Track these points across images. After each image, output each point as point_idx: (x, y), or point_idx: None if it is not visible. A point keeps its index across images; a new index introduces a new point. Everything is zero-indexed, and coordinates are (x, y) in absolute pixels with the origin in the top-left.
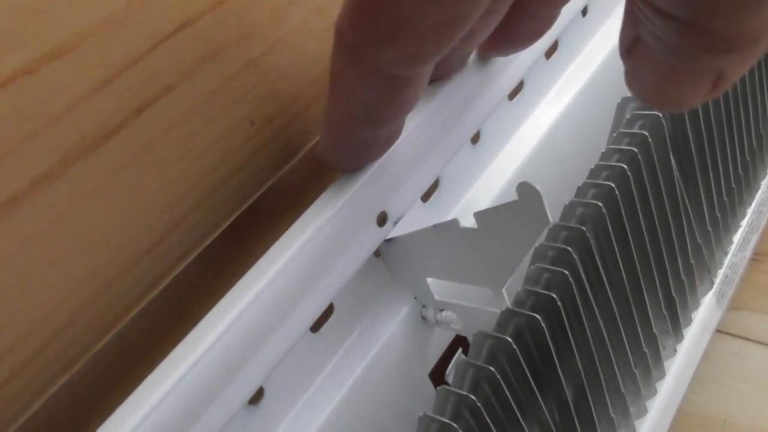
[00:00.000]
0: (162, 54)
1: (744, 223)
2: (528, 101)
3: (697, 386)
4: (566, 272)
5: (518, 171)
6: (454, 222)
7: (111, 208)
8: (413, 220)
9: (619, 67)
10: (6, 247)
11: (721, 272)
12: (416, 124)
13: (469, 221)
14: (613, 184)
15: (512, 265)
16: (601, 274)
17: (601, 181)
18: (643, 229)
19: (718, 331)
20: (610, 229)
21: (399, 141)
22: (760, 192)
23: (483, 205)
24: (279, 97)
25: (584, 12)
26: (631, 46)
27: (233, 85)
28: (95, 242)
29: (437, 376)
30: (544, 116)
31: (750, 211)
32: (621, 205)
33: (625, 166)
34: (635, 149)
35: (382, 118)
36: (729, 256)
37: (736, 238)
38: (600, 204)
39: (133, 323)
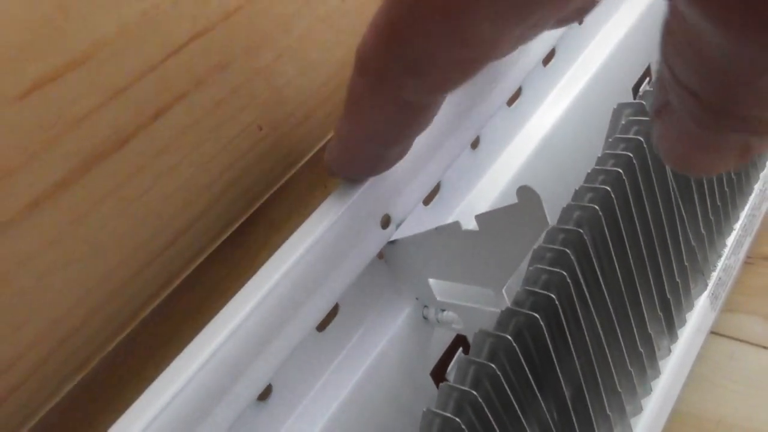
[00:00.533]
0: (175, 63)
1: (737, 226)
2: (526, 107)
3: (692, 387)
4: (564, 273)
5: (517, 175)
6: (456, 224)
7: (125, 211)
8: (415, 222)
9: (615, 73)
10: (27, 250)
11: (714, 275)
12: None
13: (470, 224)
14: (609, 188)
15: (512, 266)
16: (598, 275)
17: (597, 185)
18: (639, 231)
19: (712, 332)
20: (607, 232)
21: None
22: (752, 196)
23: (482, 208)
24: (286, 103)
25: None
26: (660, 109)
27: (242, 92)
28: (110, 245)
29: (438, 374)
30: (541, 121)
31: (743, 215)
32: (617, 208)
33: (621, 171)
34: (630, 154)
35: (396, 140)
36: (722, 258)
37: (730, 241)
38: (596, 207)
39: (144, 323)
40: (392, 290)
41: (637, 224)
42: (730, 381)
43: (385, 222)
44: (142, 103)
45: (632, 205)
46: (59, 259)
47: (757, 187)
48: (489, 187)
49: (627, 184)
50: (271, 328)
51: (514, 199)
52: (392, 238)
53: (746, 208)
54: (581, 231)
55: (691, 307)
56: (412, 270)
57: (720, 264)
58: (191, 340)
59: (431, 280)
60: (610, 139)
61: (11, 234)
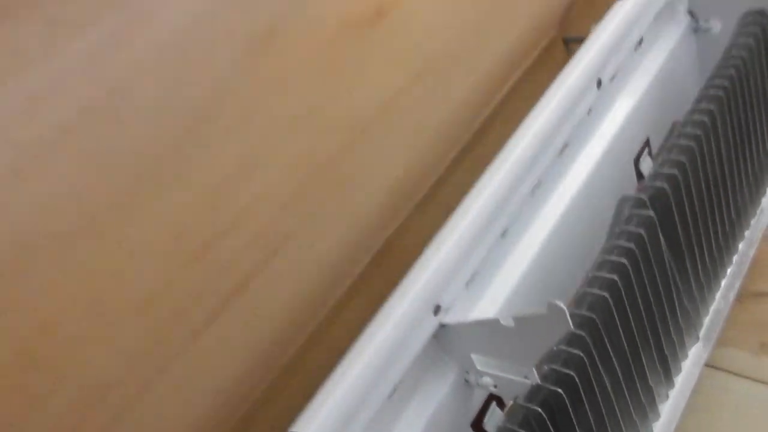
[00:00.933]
0: (279, 220)
1: (726, 277)
2: (545, 193)
3: (689, 417)
4: (581, 354)
5: (538, 254)
6: (496, 321)
7: (248, 325)
8: (457, 302)
9: (618, 151)
10: (191, 364)
11: (707, 320)
12: (460, 229)
13: (494, 305)
14: (615, 277)
15: (540, 352)
16: (608, 349)
17: (605, 274)
18: (641, 307)
19: (707, 365)
20: (615, 313)
21: (448, 245)
22: (738, 254)
23: (510, 286)
24: (354, 222)
25: (589, 111)
26: None
27: (327, 233)
28: (241, 351)
29: (477, 425)
30: (558, 205)
31: (730, 269)
32: (623, 293)
33: (626, 262)
34: (633, 246)
35: None
36: (714, 305)
37: (719, 293)
38: (606, 295)
39: (262, 399)
40: (441, 361)
41: (640, 302)
42: (724, 411)
43: (437, 310)
44: (262, 244)
45: (635, 287)
46: (207, 371)
47: (741, 245)
48: (516, 267)
49: (631, 272)
50: (358, 401)
51: (535, 278)
52: (442, 322)
53: (734, 261)
54: (594, 317)
55: (686, 356)
56: (458, 347)
57: (711, 310)
58: (297, 417)
59: (473, 355)
60: (616, 230)
61: (187, 349)
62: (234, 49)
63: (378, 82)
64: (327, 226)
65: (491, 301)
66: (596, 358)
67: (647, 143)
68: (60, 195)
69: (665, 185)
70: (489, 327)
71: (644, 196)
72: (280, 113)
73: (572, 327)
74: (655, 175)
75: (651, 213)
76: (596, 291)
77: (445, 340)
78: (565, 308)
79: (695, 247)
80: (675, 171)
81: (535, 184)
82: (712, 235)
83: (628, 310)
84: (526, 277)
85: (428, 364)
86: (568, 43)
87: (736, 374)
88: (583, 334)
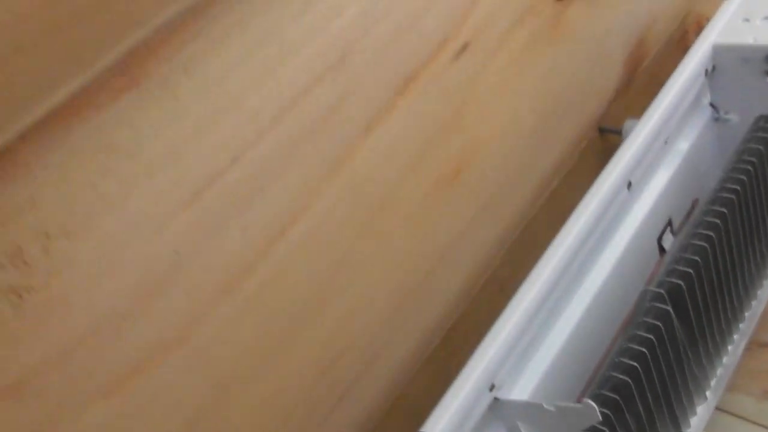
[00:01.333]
0: (384, 333)
1: (733, 343)
2: (580, 278)
3: None
4: (606, 430)
5: (567, 340)
6: (540, 405)
7: (356, 411)
8: (507, 378)
9: (644, 233)
10: None
11: (714, 381)
12: (513, 321)
13: (536, 376)
14: (635, 363)
15: (576, 429)
16: (628, 421)
17: (627, 360)
18: (657, 385)
19: (717, 408)
20: (635, 392)
21: (504, 335)
22: (746, 320)
23: (551, 359)
24: (432, 318)
25: (619, 207)
26: None
27: (408, 332)
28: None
29: None
30: (590, 287)
31: (737, 335)
32: (642, 376)
33: (644, 350)
34: (651, 336)
35: None
36: (721, 367)
37: (727, 357)
38: (628, 379)
39: None
40: (493, 425)
41: (656, 380)
42: None
43: (492, 387)
44: (366, 357)
45: (652, 370)
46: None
47: (748, 314)
48: (554, 344)
49: (649, 358)
50: None
51: (567, 358)
52: (496, 397)
53: (740, 328)
54: (617, 397)
55: (694, 413)
56: (507, 416)
57: (719, 371)
58: None
59: (519, 422)
60: (638, 320)
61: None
62: (359, 223)
63: (456, 217)
64: (411, 329)
65: (533, 373)
66: (617, 429)
67: (669, 222)
68: (248, 343)
69: (681, 282)
70: (534, 408)
71: (663, 291)
72: (383, 259)
73: (600, 419)
74: (672, 272)
75: (668, 308)
76: (619, 375)
77: (497, 410)
78: (596, 406)
79: (706, 326)
80: (690, 269)
81: (573, 275)
82: (722, 314)
83: (646, 388)
84: (563, 352)
85: (482, 427)
86: (603, 132)
87: (740, 418)
88: (608, 412)
